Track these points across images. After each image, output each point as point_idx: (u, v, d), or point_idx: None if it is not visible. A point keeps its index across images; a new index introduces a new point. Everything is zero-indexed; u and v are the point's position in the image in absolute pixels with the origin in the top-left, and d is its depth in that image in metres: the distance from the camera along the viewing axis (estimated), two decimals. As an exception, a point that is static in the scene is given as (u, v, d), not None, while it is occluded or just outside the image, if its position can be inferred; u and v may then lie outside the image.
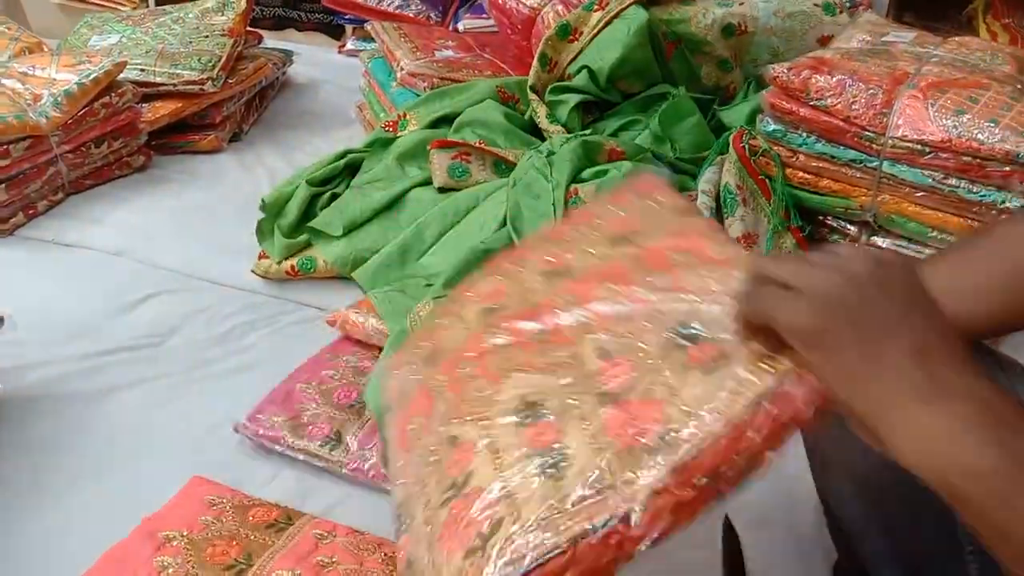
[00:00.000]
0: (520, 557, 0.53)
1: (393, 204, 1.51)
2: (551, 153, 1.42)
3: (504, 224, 1.39)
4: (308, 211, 1.54)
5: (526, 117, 1.70)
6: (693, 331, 0.60)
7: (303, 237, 1.48)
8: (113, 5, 2.58)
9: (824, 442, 0.83)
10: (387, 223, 1.50)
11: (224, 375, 1.27)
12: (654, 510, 0.53)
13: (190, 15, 2.10)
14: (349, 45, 2.54)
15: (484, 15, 2.22)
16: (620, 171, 1.37)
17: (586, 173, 1.40)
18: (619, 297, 0.66)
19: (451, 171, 1.50)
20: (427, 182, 1.53)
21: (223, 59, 1.91)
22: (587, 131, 1.54)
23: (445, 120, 1.67)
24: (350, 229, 1.47)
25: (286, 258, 1.46)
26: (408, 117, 1.69)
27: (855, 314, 0.52)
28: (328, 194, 1.58)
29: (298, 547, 0.92)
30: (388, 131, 1.68)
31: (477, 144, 1.56)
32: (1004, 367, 0.88)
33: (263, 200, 1.54)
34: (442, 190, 1.52)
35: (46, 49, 2.04)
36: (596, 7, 1.72)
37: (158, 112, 1.86)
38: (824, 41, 1.68)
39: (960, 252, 0.83)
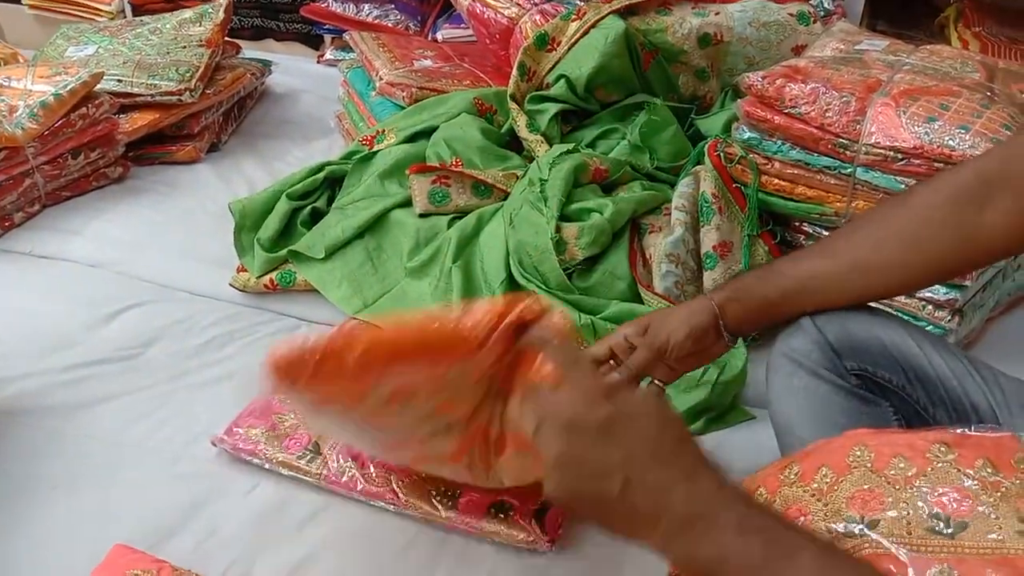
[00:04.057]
0: None
1: (375, 224, 1.51)
2: (543, 182, 1.43)
3: (507, 264, 1.40)
4: (287, 225, 1.54)
5: (503, 129, 1.70)
6: None
7: (283, 253, 1.48)
8: (90, 16, 2.57)
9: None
10: (370, 246, 1.49)
11: (203, 386, 1.26)
12: None
13: (167, 26, 2.09)
14: (328, 55, 2.54)
15: (462, 25, 2.24)
16: (604, 213, 1.38)
17: (571, 208, 1.41)
18: None
19: (431, 197, 1.50)
20: (408, 202, 1.53)
21: (201, 69, 1.91)
22: (568, 145, 1.54)
23: (423, 134, 1.67)
24: (332, 251, 1.47)
25: (265, 273, 1.46)
26: (385, 132, 1.69)
27: (583, 458, 0.60)
28: (308, 208, 1.58)
29: None
30: (364, 145, 1.68)
31: (454, 164, 1.56)
32: (979, 370, 0.89)
33: (230, 206, 1.54)
34: (423, 215, 1.52)
35: (21, 60, 2.03)
36: (574, 17, 1.73)
37: (136, 123, 1.85)
38: (798, 50, 1.70)
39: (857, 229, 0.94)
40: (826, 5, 1.88)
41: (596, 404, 0.61)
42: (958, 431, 0.75)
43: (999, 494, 0.67)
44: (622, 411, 0.61)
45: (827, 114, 1.27)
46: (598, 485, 0.60)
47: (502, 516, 0.98)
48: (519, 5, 1.85)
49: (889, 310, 1.28)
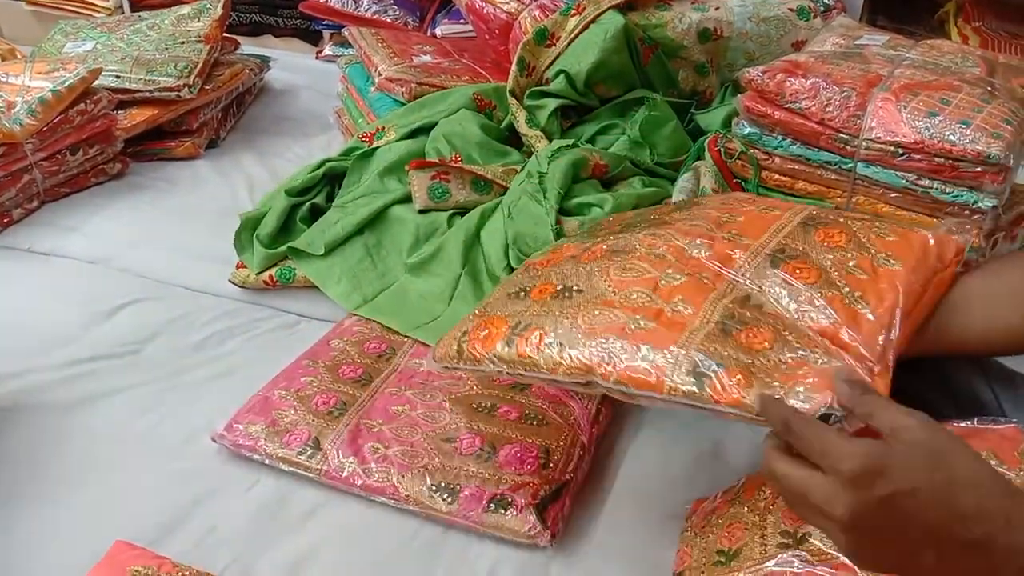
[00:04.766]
0: None
1: (375, 220, 1.51)
2: (542, 175, 1.42)
3: (506, 256, 1.39)
4: (287, 221, 1.54)
5: (503, 125, 1.70)
6: None
7: (282, 249, 1.47)
8: (87, 11, 2.57)
9: None
10: (370, 242, 1.49)
11: (202, 382, 1.26)
12: None
13: (165, 21, 2.09)
14: (327, 51, 2.54)
15: (461, 20, 2.23)
16: (604, 208, 1.38)
17: (571, 203, 1.41)
18: None
19: (431, 193, 1.50)
20: (407, 198, 1.53)
21: (199, 65, 1.91)
22: (568, 141, 1.54)
23: (422, 130, 1.67)
24: (331, 248, 1.46)
25: (265, 269, 1.46)
26: (385, 128, 1.69)
27: (886, 539, 0.56)
28: (307, 204, 1.57)
29: None
30: (364, 142, 1.67)
31: (453, 160, 1.56)
32: (984, 363, 0.89)
33: (240, 218, 1.54)
34: (423, 211, 1.51)
35: (20, 56, 2.03)
36: (573, 12, 1.73)
37: (134, 119, 1.84)
38: (798, 45, 1.70)
39: (999, 261, 0.86)
40: (826, 0, 1.87)
41: (868, 487, 0.56)
42: (962, 424, 0.75)
43: None
44: (898, 485, 0.55)
45: (827, 109, 1.26)
46: (908, 563, 0.56)
47: (502, 511, 0.98)
48: (518, 0, 1.85)
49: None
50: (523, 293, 0.91)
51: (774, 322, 0.78)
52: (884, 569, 0.58)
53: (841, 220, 0.89)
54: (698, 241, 0.88)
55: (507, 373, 0.85)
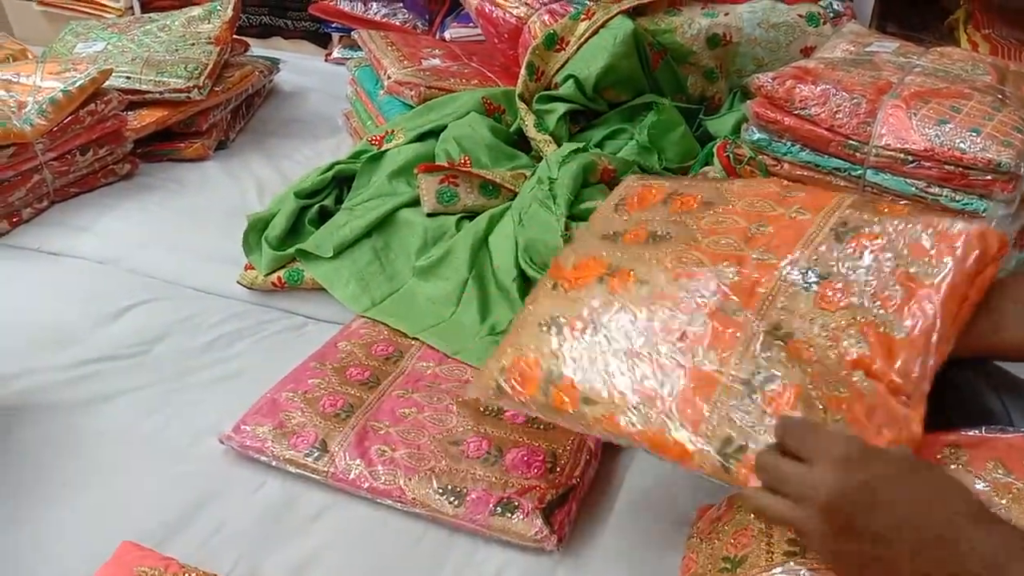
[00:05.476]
0: None
1: (383, 223, 1.51)
2: (552, 180, 1.43)
3: (517, 262, 1.39)
4: (295, 223, 1.54)
5: (512, 128, 1.70)
6: None
7: (291, 251, 1.47)
8: (98, 12, 2.58)
9: None
10: (378, 245, 1.49)
11: (210, 384, 1.26)
12: None
13: (176, 23, 2.09)
14: (336, 53, 2.54)
15: (470, 24, 2.24)
16: None
17: (580, 208, 1.40)
18: None
19: (439, 196, 1.50)
20: (416, 201, 1.53)
21: (209, 67, 1.91)
22: (577, 144, 1.54)
23: (431, 134, 1.67)
24: (340, 250, 1.46)
25: (273, 271, 1.46)
26: (394, 132, 1.69)
27: (857, 524, 0.59)
28: (316, 206, 1.57)
29: None
30: (374, 145, 1.68)
31: (463, 162, 1.56)
32: (991, 372, 0.89)
33: (248, 219, 1.54)
34: (431, 215, 1.51)
35: (31, 56, 2.04)
36: (582, 17, 1.73)
37: (144, 120, 1.85)
38: (807, 52, 1.70)
39: None
40: (835, 6, 1.87)
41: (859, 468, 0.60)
42: (970, 432, 0.75)
43: (1011, 496, 0.67)
44: (877, 472, 0.60)
45: (837, 116, 1.26)
46: (880, 553, 0.58)
47: (509, 514, 0.98)
48: (528, 5, 1.85)
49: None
50: (555, 329, 0.89)
51: (800, 374, 0.75)
52: (850, 567, 0.61)
53: (876, 220, 0.84)
54: (725, 265, 0.86)
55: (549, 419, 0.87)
